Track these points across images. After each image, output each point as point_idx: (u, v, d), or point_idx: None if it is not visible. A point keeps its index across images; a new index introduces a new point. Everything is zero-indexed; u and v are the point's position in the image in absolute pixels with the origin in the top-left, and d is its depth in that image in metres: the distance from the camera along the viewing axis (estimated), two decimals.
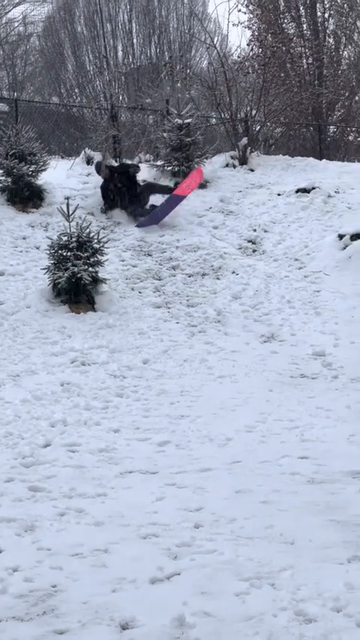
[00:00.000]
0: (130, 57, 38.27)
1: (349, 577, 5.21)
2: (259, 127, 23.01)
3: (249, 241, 16.17)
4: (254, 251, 15.77)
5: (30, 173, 16.21)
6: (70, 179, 18.09)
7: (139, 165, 17.85)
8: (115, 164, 18.14)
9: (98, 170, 17.12)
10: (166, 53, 37.77)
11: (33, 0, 43.39)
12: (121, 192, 16.78)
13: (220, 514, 6.41)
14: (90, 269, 12.76)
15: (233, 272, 14.53)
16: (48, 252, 13.03)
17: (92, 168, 18.62)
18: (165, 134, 19.04)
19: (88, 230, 13.12)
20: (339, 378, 10.79)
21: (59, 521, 6.33)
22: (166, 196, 16.75)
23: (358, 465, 7.58)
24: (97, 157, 19.58)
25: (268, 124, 24.14)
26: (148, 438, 8.46)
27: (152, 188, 17.32)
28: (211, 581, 5.21)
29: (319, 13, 32.65)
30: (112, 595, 5.09)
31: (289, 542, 5.82)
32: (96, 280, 12.91)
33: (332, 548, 5.69)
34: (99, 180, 17.51)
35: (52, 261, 12.86)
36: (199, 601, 4.93)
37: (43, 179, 16.63)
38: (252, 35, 28.66)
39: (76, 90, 38.75)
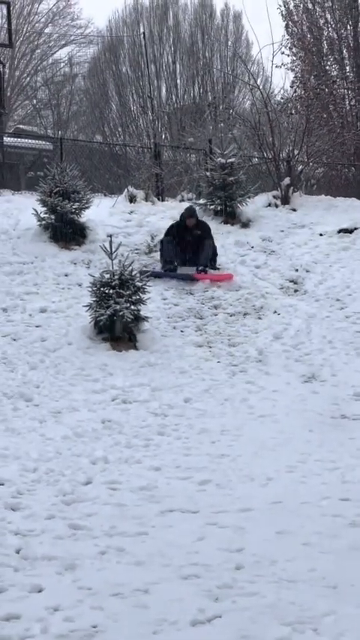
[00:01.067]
0: (173, 97, 38.61)
1: None
2: (301, 167, 23.02)
3: (291, 281, 16.15)
4: (296, 291, 15.75)
5: (73, 211, 16.32)
6: (112, 217, 18.17)
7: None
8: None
9: (190, 214, 16.44)
10: (210, 94, 38.03)
11: (79, 41, 44.01)
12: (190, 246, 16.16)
13: (261, 555, 6.35)
14: (132, 307, 12.80)
15: (275, 312, 14.51)
16: (90, 289, 13.09)
17: (135, 206, 18.72)
18: (208, 173, 19.12)
19: (130, 268, 13.17)
20: None
21: (100, 559, 6.31)
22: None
23: None
24: (140, 194, 19.67)
25: (311, 164, 24.13)
26: (189, 476, 8.43)
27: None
28: (252, 624, 5.15)
29: None
30: (152, 637, 5.04)
31: (331, 587, 5.75)
32: (138, 318, 12.94)
33: None
34: (141, 218, 17.60)
35: (94, 299, 12.91)
36: None
37: (86, 217, 16.73)
38: (295, 77, 28.77)
39: (119, 129, 39.11)
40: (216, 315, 14.29)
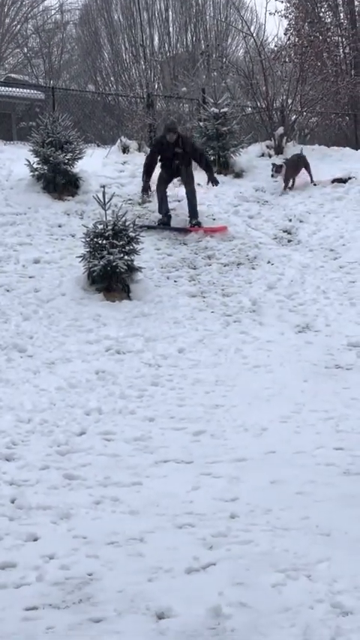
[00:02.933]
0: (166, 45, 38.20)
1: None
2: (295, 117, 22.87)
3: (284, 231, 16.10)
4: (289, 241, 15.71)
5: (66, 161, 16.18)
6: (105, 167, 18.05)
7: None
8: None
9: (169, 129, 15.76)
10: (203, 42, 37.66)
11: None
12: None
13: (255, 504, 6.39)
14: (125, 257, 12.77)
15: (268, 262, 14.49)
16: (83, 240, 13.04)
17: (128, 157, 18.61)
18: (201, 123, 18.99)
19: (124, 218, 13.12)
20: None
21: (95, 509, 6.36)
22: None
23: None
24: (133, 145, 19.53)
25: (304, 113, 23.96)
26: (184, 427, 8.47)
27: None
28: (247, 571, 5.19)
29: (356, 2, 32.37)
30: (147, 584, 5.08)
31: (325, 534, 5.79)
32: (131, 269, 12.91)
33: None
34: (135, 168, 17.51)
35: (88, 249, 12.86)
36: (235, 592, 4.92)
37: (79, 167, 16.59)
38: (289, 24, 28.46)
39: (112, 78, 38.75)
40: (209, 265, 14.25)
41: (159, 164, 15.91)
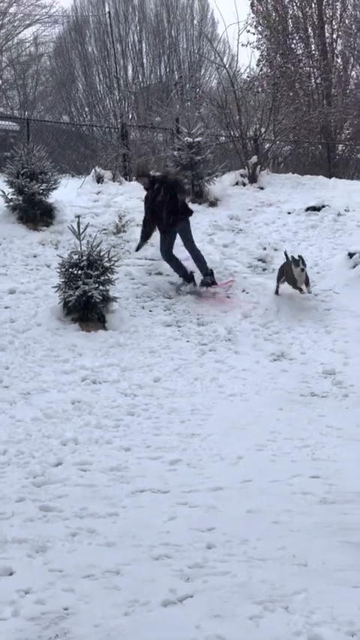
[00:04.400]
0: (140, 76, 38.41)
1: None
2: (268, 145, 23.03)
3: (259, 260, 16.16)
4: (264, 269, 15.76)
5: (41, 192, 16.22)
6: (80, 197, 18.10)
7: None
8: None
9: (139, 175, 15.17)
10: (176, 73, 37.89)
11: (44, 21, 43.60)
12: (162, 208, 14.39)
13: (232, 534, 6.37)
14: (100, 287, 12.77)
15: (244, 290, 14.51)
16: (59, 270, 13.05)
17: (102, 187, 18.64)
18: (175, 152, 19.05)
19: (98, 248, 13.13)
20: (349, 397, 10.75)
21: (71, 541, 6.30)
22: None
23: None
24: (107, 174, 19.59)
25: (278, 142, 24.13)
26: (160, 456, 8.43)
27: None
28: (224, 604, 5.17)
29: (327, 34, 32.75)
30: (124, 618, 5.05)
31: (302, 565, 5.78)
32: (106, 298, 12.91)
33: (346, 571, 5.64)
34: (109, 198, 17.52)
35: (63, 280, 12.86)
36: (213, 624, 4.89)
37: (54, 197, 16.64)
38: (261, 55, 28.71)
39: (86, 109, 38.89)
40: (184, 294, 14.26)
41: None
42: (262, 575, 5.58)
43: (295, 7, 32.87)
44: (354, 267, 15.05)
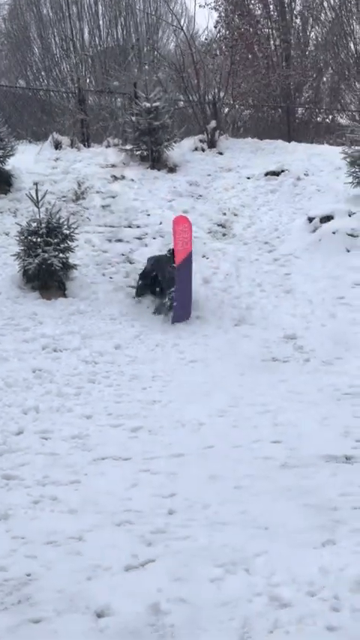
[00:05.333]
0: (96, 39, 38.02)
1: (323, 561, 5.22)
2: (227, 110, 22.97)
3: (219, 225, 16.16)
4: (224, 235, 15.78)
5: None
6: (38, 164, 17.96)
7: None
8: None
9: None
10: (133, 35, 37.56)
11: None
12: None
13: (193, 500, 6.41)
14: (60, 255, 12.74)
15: (204, 256, 14.52)
16: (17, 238, 12.99)
17: (61, 153, 18.52)
18: (133, 118, 18.94)
19: (58, 216, 13.08)
20: (310, 362, 10.82)
21: (33, 509, 6.32)
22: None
23: (331, 448, 7.59)
24: (66, 141, 19.44)
25: (237, 106, 24.07)
26: (121, 424, 8.45)
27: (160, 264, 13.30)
28: (185, 567, 5.22)
29: None
30: (87, 583, 5.08)
31: (263, 528, 5.83)
32: (66, 266, 12.89)
33: (306, 533, 5.70)
34: (68, 165, 17.42)
35: (22, 248, 12.81)
36: (174, 588, 4.94)
37: (11, 164, 16.48)
38: (219, 17, 28.54)
39: (42, 73, 38.47)
40: (145, 261, 14.19)
41: None
42: (223, 538, 5.64)
43: None
44: (314, 231, 15.10)
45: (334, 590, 4.87)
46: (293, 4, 32.40)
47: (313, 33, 33.15)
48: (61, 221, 13.05)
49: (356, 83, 30.97)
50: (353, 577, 5.01)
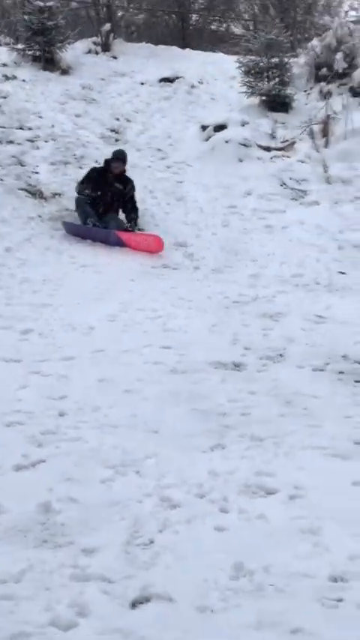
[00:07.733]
0: None
1: (212, 465, 5.30)
2: (121, 13, 22.54)
3: (112, 130, 15.95)
4: (117, 140, 15.58)
5: None
6: None
7: None
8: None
9: (117, 157, 13.02)
10: None
11: None
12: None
13: (84, 402, 6.41)
14: None
15: (96, 161, 14.31)
16: None
17: None
18: (26, 17, 18.39)
19: None
20: (200, 269, 10.90)
21: None
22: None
23: (220, 355, 7.68)
24: None
25: (131, 9, 23.64)
26: (11, 325, 8.35)
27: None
28: (76, 468, 5.23)
29: None
30: None
31: (153, 431, 5.88)
32: None
33: (195, 437, 5.77)
34: None
35: None
36: (65, 487, 4.95)
37: None
38: None
39: None
40: (37, 165, 13.91)
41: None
42: (114, 441, 5.67)
43: None
44: (207, 140, 15.06)
45: (222, 492, 4.95)
46: None
47: None
48: None
49: None
50: (242, 480, 5.10)
